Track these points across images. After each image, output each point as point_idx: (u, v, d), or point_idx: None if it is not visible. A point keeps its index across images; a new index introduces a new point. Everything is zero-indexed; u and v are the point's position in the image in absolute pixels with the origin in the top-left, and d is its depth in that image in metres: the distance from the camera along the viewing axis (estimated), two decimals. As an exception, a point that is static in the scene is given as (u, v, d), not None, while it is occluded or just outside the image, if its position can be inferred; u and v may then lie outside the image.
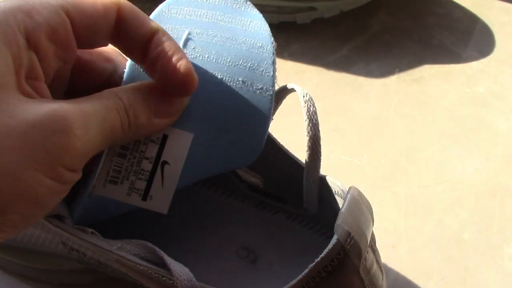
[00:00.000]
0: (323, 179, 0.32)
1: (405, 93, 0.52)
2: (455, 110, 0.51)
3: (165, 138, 0.28)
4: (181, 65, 0.26)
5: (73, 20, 0.26)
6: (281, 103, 0.33)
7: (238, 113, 0.29)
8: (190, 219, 0.37)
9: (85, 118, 0.23)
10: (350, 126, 0.50)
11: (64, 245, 0.29)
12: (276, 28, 0.55)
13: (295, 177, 0.33)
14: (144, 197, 0.28)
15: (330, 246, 0.26)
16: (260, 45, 0.30)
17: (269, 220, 0.37)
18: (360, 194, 0.29)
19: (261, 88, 0.29)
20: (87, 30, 0.26)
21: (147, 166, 0.28)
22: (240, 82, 0.29)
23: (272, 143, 0.34)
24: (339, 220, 0.26)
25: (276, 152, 0.33)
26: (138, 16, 0.27)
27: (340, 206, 0.28)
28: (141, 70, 0.29)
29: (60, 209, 0.28)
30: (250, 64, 0.29)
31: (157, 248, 0.28)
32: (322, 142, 0.30)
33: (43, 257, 0.32)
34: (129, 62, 0.29)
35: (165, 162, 0.28)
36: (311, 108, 0.30)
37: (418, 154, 0.48)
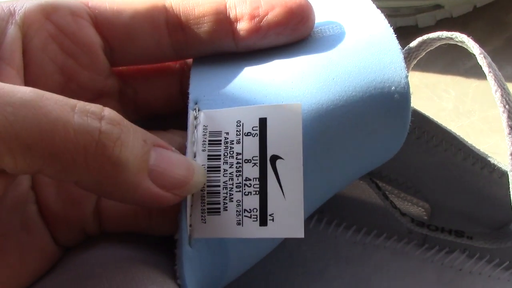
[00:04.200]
0: None
1: None
2: None
3: (263, 123, 0.21)
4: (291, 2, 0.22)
5: (99, 19, 0.22)
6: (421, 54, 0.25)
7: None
8: (332, 274, 0.29)
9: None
10: (512, 144, 0.41)
11: None
12: (394, 35, 0.49)
13: (487, 192, 0.25)
14: (263, 220, 0.20)
15: None
16: None
17: (442, 264, 0.29)
18: None
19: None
20: (121, 32, 0.22)
21: (252, 172, 0.21)
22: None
23: (451, 140, 0.26)
24: None
25: (455, 155, 0.25)
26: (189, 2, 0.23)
27: None
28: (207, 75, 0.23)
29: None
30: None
31: None
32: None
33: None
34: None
35: (275, 157, 0.21)
36: (497, 73, 0.23)
37: None
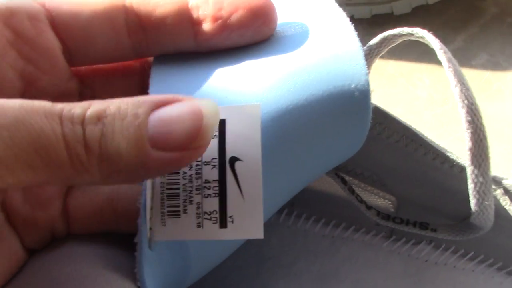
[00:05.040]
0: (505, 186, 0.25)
1: (549, 85, 0.45)
2: None
3: (222, 124, 0.21)
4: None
5: (56, 21, 0.22)
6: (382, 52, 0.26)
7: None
8: (300, 268, 0.30)
9: None
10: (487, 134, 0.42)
11: None
12: (369, 23, 0.49)
13: (448, 186, 0.25)
14: (223, 221, 0.21)
15: None
16: None
17: (409, 255, 0.30)
18: None
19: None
20: (79, 34, 0.22)
21: (211, 174, 0.21)
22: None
23: (411, 136, 0.26)
24: None
25: (416, 151, 0.26)
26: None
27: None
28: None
29: None
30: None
31: None
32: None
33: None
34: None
35: (234, 159, 0.21)
36: (457, 68, 0.23)
37: None
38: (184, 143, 0.18)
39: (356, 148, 0.23)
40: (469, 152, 0.23)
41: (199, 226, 0.21)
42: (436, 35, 0.50)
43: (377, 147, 0.25)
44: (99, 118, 0.18)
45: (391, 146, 0.26)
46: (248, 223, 0.21)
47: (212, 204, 0.21)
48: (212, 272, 0.25)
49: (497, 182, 0.25)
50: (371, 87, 0.22)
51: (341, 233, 0.31)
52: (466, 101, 0.22)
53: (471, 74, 0.46)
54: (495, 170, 0.39)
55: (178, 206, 0.21)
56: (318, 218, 0.31)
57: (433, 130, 0.42)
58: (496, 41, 0.48)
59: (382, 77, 0.47)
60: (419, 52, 0.48)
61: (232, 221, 0.21)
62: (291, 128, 0.21)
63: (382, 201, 0.29)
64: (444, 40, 0.49)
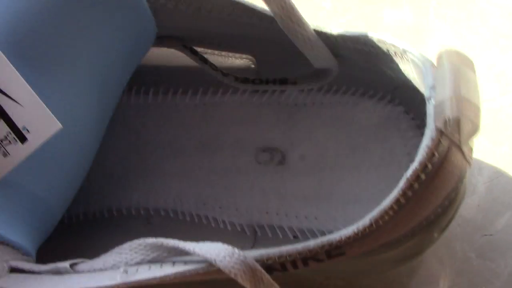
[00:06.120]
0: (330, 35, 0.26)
1: (445, -8, 0.47)
2: (508, 5, 0.45)
3: None
4: None
5: None
6: None
7: None
8: (181, 143, 0.31)
9: None
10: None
11: None
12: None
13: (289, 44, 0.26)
14: (21, 136, 0.21)
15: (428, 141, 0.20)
16: None
17: (279, 103, 0.30)
18: (460, 56, 0.22)
19: None
20: None
21: None
22: None
23: (246, 10, 0.27)
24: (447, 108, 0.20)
25: (240, 17, 0.26)
26: None
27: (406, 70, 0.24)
28: None
29: None
30: None
31: (164, 241, 0.21)
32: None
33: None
34: None
35: None
36: None
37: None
38: None
39: (150, 27, 0.24)
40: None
41: (5, 155, 0.21)
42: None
43: (201, 22, 0.26)
44: None
45: (212, 18, 0.26)
46: (41, 122, 0.21)
47: (2, 129, 0.21)
48: (96, 169, 0.26)
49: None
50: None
51: (211, 99, 0.31)
52: None
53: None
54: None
55: None
56: (185, 90, 0.31)
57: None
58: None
59: None
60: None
61: (28, 130, 0.21)
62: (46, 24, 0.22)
63: (241, 60, 0.30)
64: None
